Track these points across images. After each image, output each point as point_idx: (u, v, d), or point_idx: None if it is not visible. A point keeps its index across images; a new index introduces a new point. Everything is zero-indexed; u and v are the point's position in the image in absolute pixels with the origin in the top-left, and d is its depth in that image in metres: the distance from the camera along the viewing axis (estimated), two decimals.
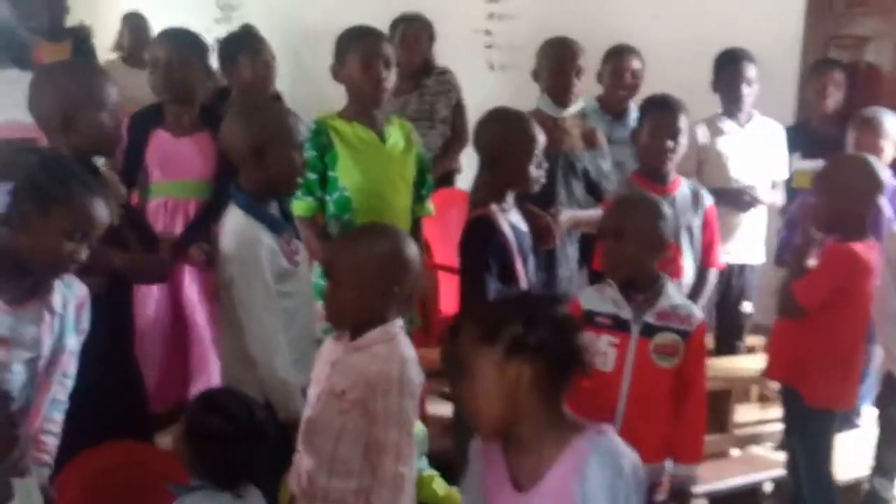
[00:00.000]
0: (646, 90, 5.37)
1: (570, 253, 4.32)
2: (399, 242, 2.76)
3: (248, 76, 4.69)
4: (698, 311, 3.31)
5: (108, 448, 2.89)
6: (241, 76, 4.71)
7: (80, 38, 7.79)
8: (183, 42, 4.01)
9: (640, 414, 3.15)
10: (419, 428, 2.97)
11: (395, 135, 3.88)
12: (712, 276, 4.19)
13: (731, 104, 5.02)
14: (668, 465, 3.24)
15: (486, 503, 2.19)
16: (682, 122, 4.10)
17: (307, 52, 6.78)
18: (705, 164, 4.95)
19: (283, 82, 5.02)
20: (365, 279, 2.67)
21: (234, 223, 3.14)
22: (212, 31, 8.30)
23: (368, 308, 2.68)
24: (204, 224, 3.69)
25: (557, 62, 4.42)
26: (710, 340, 4.86)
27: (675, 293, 3.27)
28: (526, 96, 4.59)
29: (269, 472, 3.12)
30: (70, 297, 2.68)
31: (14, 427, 2.44)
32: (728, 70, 5.01)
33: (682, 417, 3.22)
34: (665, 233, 3.27)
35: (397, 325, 2.72)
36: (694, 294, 4.08)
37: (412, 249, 2.77)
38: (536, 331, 2.06)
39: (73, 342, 2.71)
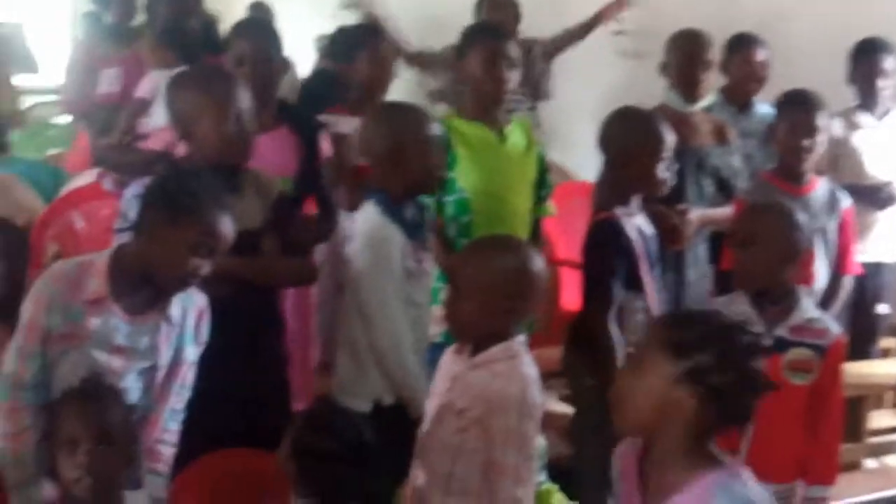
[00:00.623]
0: (779, 80, 5.22)
1: (699, 253, 4.21)
2: (526, 257, 2.68)
3: (365, 74, 4.50)
4: (835, 325, 3.16)
5: (225, 455, 2.90)
6: (358, 73, 4.51)
7: (207, 26, 7.87)
8: (265, 37, 3.87)
9: (771, 432, 3.01)
10: (538, 441, 2.91)
11: (516, 134, 3.81)
12: (847, 283, 4.01)
13: (868, 97, 4.82)
14: (800, 485, 3.11)
15: None
16: (820, 120, 3.93)
17: (434, 37, 6.74)
18: (840, 159, 4.75)
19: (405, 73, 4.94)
20: (489, 294, 2.60)
21: (369, 222, 3.17)
22: (336, 17, 8.44)
23: (491, 323, 2.62)
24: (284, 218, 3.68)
25: (686, 56, 4.29)
26: None
27: (809, 306, 3.14)
28: (657, 85, 4.47)
29: (384, 484, 3.13)
30: (189, 307, 2.69)
31: (133, 441, 2.45)
32: (864, 62, 4.81)
33: (817, 437, 3.09)
34: (799, 242, 3.13)
35: (520, 341, 2.66)
36: (826, 301, 3.92)
37: (538, 264, 2.70)
38: (725, 373, 2.00)
39: (192, 353, 2.71)
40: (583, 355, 3.43)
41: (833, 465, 3.15)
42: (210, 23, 8.01)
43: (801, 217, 3.19)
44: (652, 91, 4.57)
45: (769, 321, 3.07)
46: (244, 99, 3.09)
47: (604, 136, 3.58)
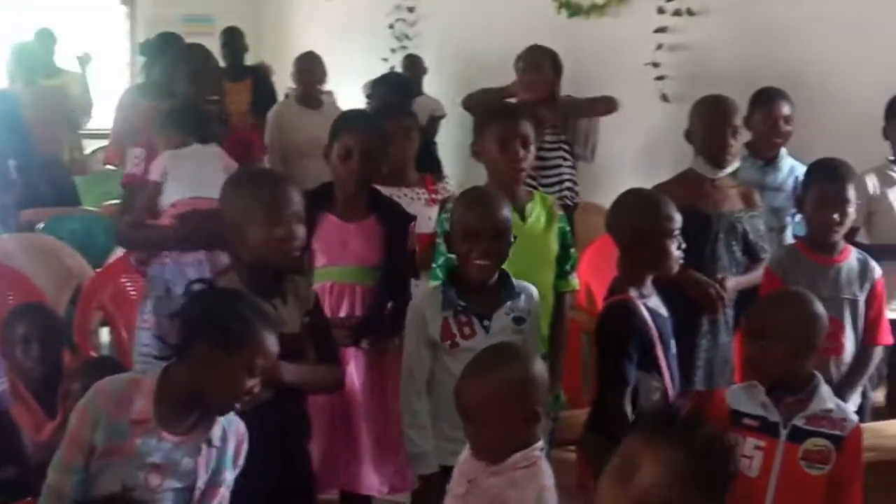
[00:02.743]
0: (817, 131, 5.21)
1: (729, 319, 4.22)
2: (524, 363, 2.74)
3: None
4: (853, 416, 3.14)
5: None
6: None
7: (261, 77, 8.02)
8: (373, 131, 3.94)
9: None
10: None
11: (537, 210, 3.85)
12: (877, 354, 3.96)
13: None
14: None
15: None
16: (850, 193, 3.91)
17: (480, 82, 6.81)
18: (875, 216, 4.71)
19: (454, 117, 4.94)
20: (502, 412, 2.65)
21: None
22: (389, 60, 8.55)
23: (511, 438, 2.67)
24: (377, 312, 3.82)
25: (712, 122, 4.26)
26: (881, 397, 4.68)
27: (828, 396, 3.11)
28: None
29: None
30: (230, 431, 2.72)
31: None
32: None
33: None
34: (818, 333, 3.12)
35: (538, 448, 2.70)
36: (855, 372, 3.90)
37: (539, 365, 2.77)
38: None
39: (230, 477, 2.74)
40: (600, 438, 3.43)
41: None
42: (263, 75, 8.20)
43: (818, 308, 3.17)
44: None
45: (786, 410, 3.06)
46: (297, 202, 3.13)
47: (613, 219, 3.61)
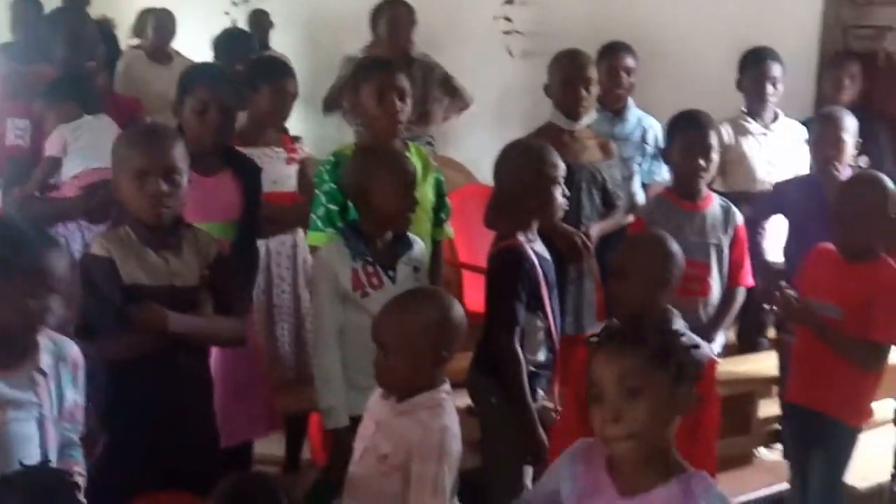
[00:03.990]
0: (668, 87, 5.40)
1: (593, 265, 4.36)
2: (446, 307, 2.81)
3: (266, 107, 4.40)
4: (707, 350, 3.24)
5: (153, 499, 2.93)
6: (257, 104, 4.41)
7: (103, 31, 7.73)
8: (224, 84, 3.89)
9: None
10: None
11: (413, 161, 3.86)
12: (740, 295, 4.12)
13: (756, 104, 5.00)
14: None
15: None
16: (713, 139, 4.07)
17: (326, 41, 6.77)
18: (729, 166, 4.94)
19: (301, 73, 4.96)
20: (415, 348, 2.72)
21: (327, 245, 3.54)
22: (231, 14, 8.38)
23: (418, 376, 2.74)
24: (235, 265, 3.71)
25: (566, 76, 4.44)
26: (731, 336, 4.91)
27: (680, 328, 3.15)
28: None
29: None
30: (62, 357, 2.73)
31: None
32: (753, 69, 5.00)
33: (691, 459, 3.21)
34: (672, 269, 3.25)
35: (444, 390, 2.76)
36: (721, 313, 4.07)
37: (459, 312, 2.83)
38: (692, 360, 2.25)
39: (72, 397, 2.75)
40: (488, 376, 3.54)
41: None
42: (106, 29, 7.93)
43: (673, 246, 3.28)
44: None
45: None
46: (164, 157, 3.07)
47: (501, 168, 3.72)
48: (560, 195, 3.65)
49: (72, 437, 2.80)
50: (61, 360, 2.73)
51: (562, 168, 3.66)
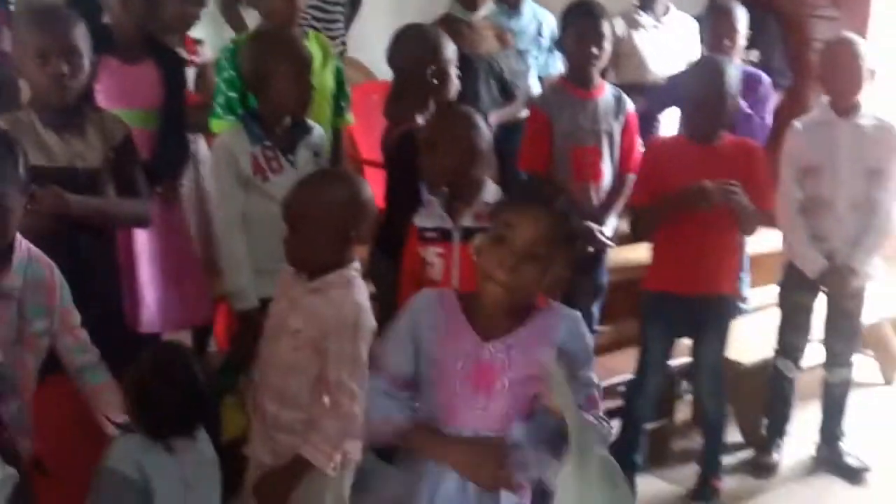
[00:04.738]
0: None
1: None
2: (355, 188, 2.86)
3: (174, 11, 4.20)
4: (597, 231, 3.45)
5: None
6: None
7: None
8: None
9: None
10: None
11: (314, 49, 3.90)
12: (630, 182, 4.20)
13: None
14: None
15: (426, 348, 2.36)
16: (606, 28, 4.16)
17: None
18: (621, 58, 5.04)
19: None
20: (324, 227, 2.77)
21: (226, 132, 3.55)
22: None
23: (327, 254, 2.80)
24: (164, 156, 3.82)
25: None
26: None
27: (491, 193, 3.32)
28: None
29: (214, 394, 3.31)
30: (32, 279, 2.61)
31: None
32: None
33: None
34: (478, 143, 3.31)
35: (354, 268, 2.83)
36: (611, 199, 4.20)
37: (367, 192, 2.89)
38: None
39: (41, 325, 2.65)
40: (389, 258, 3.60)
41: None
42: None
43: (479, 120, 3.36)
44: None
45: (457, 216, 3.29)
46: (65, 37, 3.04)
47: (395, 52, 3.83)
48: (455, 74, 3.75)
49: (82, 360, 2.75)
50: (31, 281, 2.60)
51: (453, 48, 3.77)
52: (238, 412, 3.04)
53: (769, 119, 4.79)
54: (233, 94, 3.82)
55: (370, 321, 2.79)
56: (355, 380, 2.73)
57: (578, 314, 2.39)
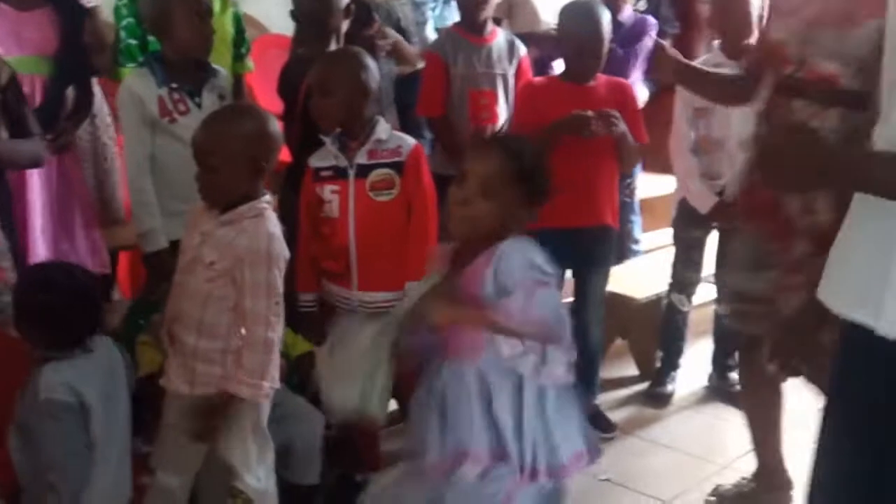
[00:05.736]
0: None
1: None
2: (263, 120, 2.90)
3: None
4: (410, 140, 3.46)
5: None
6: None
7: None
8: None
9: (371, 249, 3.35)
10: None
11: None
12: None
13: None
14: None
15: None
16: None
17: None
18: (514, 8, 5.16)
19: None
20: (234, 160, 2.81)
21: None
22: None
23: (239, 187, 2.84)
24: (56, 102, 3.79)
25: None
26: None
27: (382, 131, 3.39)
28: None
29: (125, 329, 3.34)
30: None
31: None
32: None
33: (410, 239, 3.38)
34: (368, 82, 3.38)
35: (265, 200, 2.88)
36: None
37: (274, 125, 2.93)
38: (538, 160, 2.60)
39: None
40: (298, 192, 3.57)
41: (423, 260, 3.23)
42: None
43: (367, 59, 3.44)
44: None
45: (351, 155, 3.37)
46: None
47: (296, 4, 3.95)
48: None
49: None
50: None
51: None
52: (152, 350, 3.07)
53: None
54: (132, 42, 3.83)
55: (283, 250, 2.85)
56: (270, 308, 2.79)
57: (522, 245, 2.52)
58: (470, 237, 2.55)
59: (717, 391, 4.60)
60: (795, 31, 3.04)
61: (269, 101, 5.25)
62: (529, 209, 2.58)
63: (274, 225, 2.87)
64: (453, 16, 5.10)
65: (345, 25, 3.90)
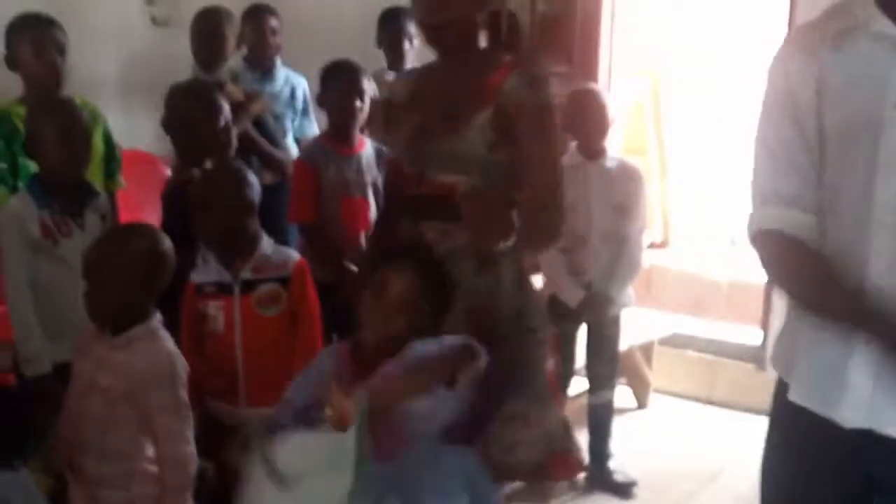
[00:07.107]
0: (314, 43, 5.64)
1: None
2: (156, 239, 2.92)
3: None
4: (294, 254, 3.57)
5: None
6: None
7: None
8: None
9: (259, 364, 3.39)
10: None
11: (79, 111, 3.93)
12: None
13: (395, 60, 5.30)
14: None
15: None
16: (366, 84, 4.33)
17: None
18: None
19: None
20: (127, 279, 2.81)
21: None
22: None
23: (131, 307, 2.84)
24: None
25: (202, 33, 4.79)
26: None
27: (268, 246, 3.48)
28: (185, 50, 4.88)
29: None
30: None
31: None
32: (390, 27, 5.31)
33: (297, 352, 3.42)
34: (251, 197, 3.46)
35: (157, 319, 2.88)
36: None
37: (167, 244, 2.94)
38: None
39: None
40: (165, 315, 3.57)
41: None
42: None
43: (249, 174, 3.55)
44: (180, 56, 4.95)
45: (236, 270, 3.43)
46: None
47: (169, 114, 3.95)
48: (224, 134, 3.91)
49: None
50: None
51: (225, 108, 3.93)
52: (43, 476, 2.98)
53: None
54: (2, 165, 3.78)
55: (184, 365, 2.86)
56: (182, 423, 2.79)
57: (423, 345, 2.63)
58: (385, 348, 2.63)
59: (597, 480, 4.69)
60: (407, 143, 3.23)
61: (136, 214, 5.21)
62: (439, 320, 2.71)
63: (170, 342, 2.87)
64: (312, 127, 5.22)
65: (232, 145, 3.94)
